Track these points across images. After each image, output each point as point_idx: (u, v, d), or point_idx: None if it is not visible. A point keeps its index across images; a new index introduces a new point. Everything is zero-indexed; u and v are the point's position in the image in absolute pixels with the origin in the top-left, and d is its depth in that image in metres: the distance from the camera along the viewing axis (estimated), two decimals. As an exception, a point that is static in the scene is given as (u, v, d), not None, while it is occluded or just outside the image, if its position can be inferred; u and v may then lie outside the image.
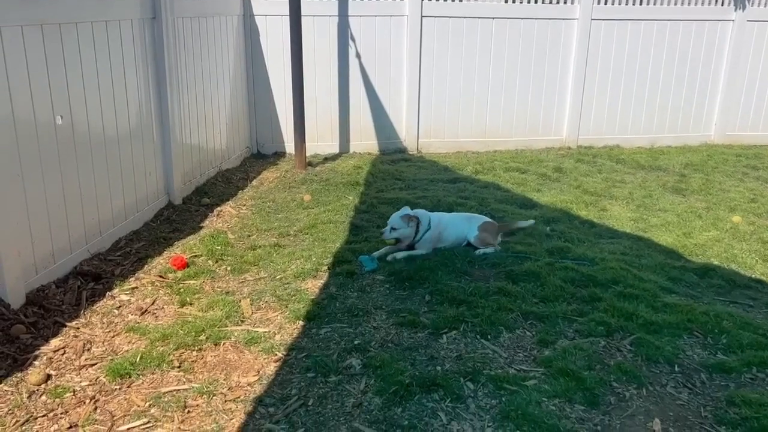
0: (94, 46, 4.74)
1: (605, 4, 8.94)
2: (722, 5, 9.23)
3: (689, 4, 9.18)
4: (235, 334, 3.80)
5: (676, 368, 3.48)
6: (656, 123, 9.57)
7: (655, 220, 6.14)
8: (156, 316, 4.07)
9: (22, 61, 3.96)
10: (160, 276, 4.61)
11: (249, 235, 5.56)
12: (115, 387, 3.29)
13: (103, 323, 3.95)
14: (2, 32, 3.76)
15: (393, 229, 4.90)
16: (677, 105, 9.54)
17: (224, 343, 3.70)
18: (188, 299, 4.27)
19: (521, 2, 8.81)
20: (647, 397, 3.23)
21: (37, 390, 3.24)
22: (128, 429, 2.98)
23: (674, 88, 9.43)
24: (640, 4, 9.07)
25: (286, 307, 4.14)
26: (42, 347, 3.62)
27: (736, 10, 9.23)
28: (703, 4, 9.22)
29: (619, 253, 5.13)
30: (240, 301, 4.24)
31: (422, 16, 8.51)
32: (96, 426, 2.99)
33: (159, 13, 5.71)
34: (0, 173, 3.75)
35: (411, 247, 5.01)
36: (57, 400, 3.17)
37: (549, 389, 3.23)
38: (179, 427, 2.98)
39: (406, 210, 5.00)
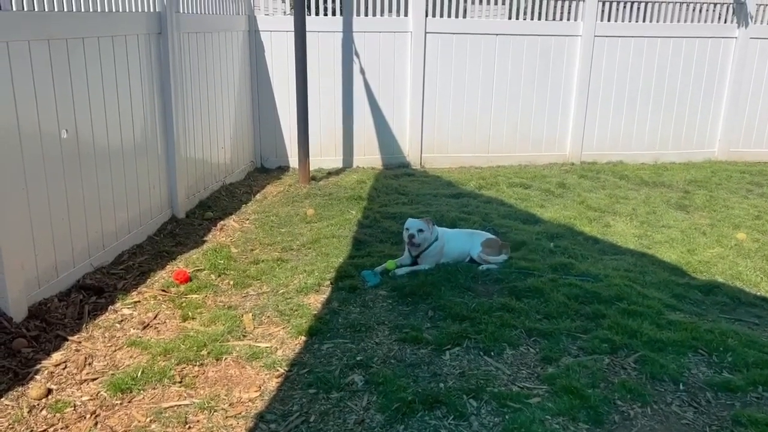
0: (100, 61, 4.77)
1: (608, 21, 8.99)
2: (725, 23, 9.28)
3: (692, 21, 9.23)
4: (237, 349, 3.79)
5: (681, 387, 3.44)
6: (660, 139, 9.58)
7: (659, 236, 6.12)
8: (158, 331, 4.06)
9: (29, 75, 3.99)
10: (163, 290, 4.60)
11: (252, 250, 5.56)
12: (116, 402, 3.27)
13: (105, 337, 3.94)
14: (9, 47, 3.79)
15: (420, 230, 4.88)
16: (681, 121, 9.55)
17: (226, 358, 3.68)
18: (190, 313, 4.26)
19: (524, 19, 8.87)
20: (652, 415, 3.20)
21: (38, 404, 3.23)
22: (128, 445, 2.96)
23: (678, 104, 9.45)
24: (644, 21, 9.12)
25: (289, 322, 4.13)
26: (43, 361, 3.61)
27: (738, 27, 9.27)
28: (706, 21, 9.26)
29: (623, 270, 5.11)
30: (242, 315, 4.23)
31: (426, 33, 8.56)
32: (96, 441, 2.98)
33: (165, 29, 5.75)
34: (5, 186, 3.76)
35: (414, 262, 5.00)
36: (58, 414, 3.15)
37: (553, 407, 3.20)
38: (180, 443, 2.96)
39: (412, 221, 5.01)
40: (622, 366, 3.62)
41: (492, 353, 3.74)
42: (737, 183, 8.37)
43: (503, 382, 3.46)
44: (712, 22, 9.28)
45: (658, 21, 9.15)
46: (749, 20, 9.21)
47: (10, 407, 3.19)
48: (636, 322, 4.08)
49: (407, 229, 4.92)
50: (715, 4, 9.24)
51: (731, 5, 9.23)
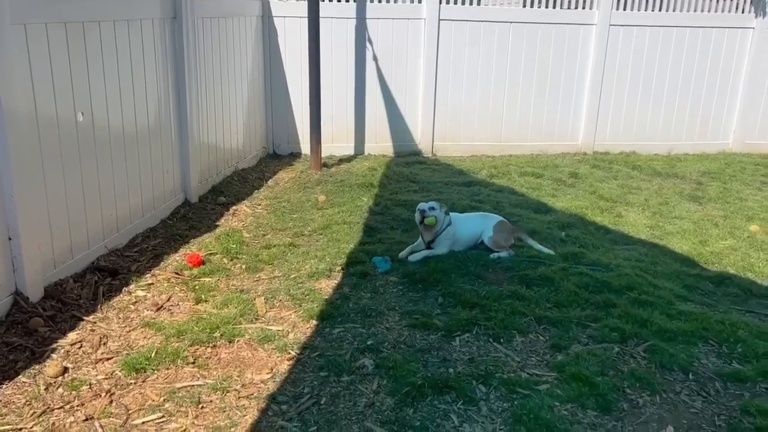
0: (115, 45, 4.80)
1: (624, 9, 8.90)
2: (742, 13, 9.16)
3: (709, 11, 9.12)
4: (249, 331, 3.83)
5: (691, 376, 3.45)
6: (673, 130, 9.50)
7: (671, 227, 6.10)
8: (171, 313, 4.11)
9: (46, 58, 4.02)
10: (176, 273, 4.65)
11: (264, 235, 5.60)
12: (131, 381, 3.33)
13: (120, 318, 4.00)
14: (27, 30, 3.82)
15: (432, 208, 4.92)
16: (695, 112, 9.47)
17: (238, 341, 3.73)
18: (203, 296, 4.31)
19: (539, 7, 8.80)
20: (660, 404, 3.21)
21: (54, 382, 3.29)
22: (143, 423, 3.01)
23: (692, 95, 9.37)
24: (660, 10, 9.03)
25: (300, 306, 4.17)
26: (59, 340, 3.67)
27: (756, 17, 9.15)
28: (723, 11, 9.15)
29: (634, 260, 5.10)
30: (254, 299, 4.27)
31: (440, 20, 8.52)
32: (111, 419, 3.03)
33: (179, 13, 5.77)
34: (22, 168, 3.80)
35: (428, 246, 5.02)
36: (73, 392, 3.21)
37: (561, 394, 3.22)
38: (193, 422, 3.01)
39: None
40: (632, 355, 3.63)
41: (501, 340, 3.76)
42: (751, 175, 8.30)
43: (512, 368, 3.48)
44: (730, 12, 9.16)
45: (674, 10, 9.05)
46: (767, 10, 9.09)
47: (27, 384, 3.26)
48: (646, 311, 4.08)
49: (419, 210, 4.93)
50: (733, -6, 9.14)
51: (749, -5, 9.12)
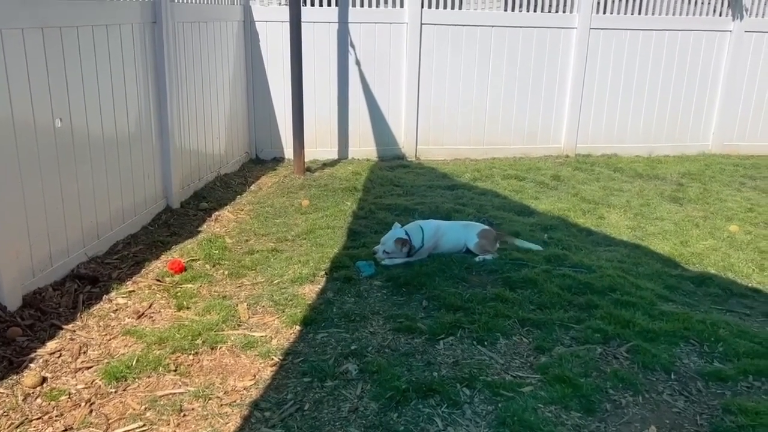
0: (94, 50, 4.75)
1: (604, 13, 9.00)
2: (720, 16, 9.29)
3: (687, 14, 9.24)
4: (232, 338, 3.80)
5: (673, 376, 3.48)
6: (654, 132, 9.60)
7: (653, 228, 6.15)
8: (153, 320, 4.07)
9: (23, 63, 3.96)
10: (158, 280, 4.60)
11: (247, 240, 5.56)
12: (111, 390, 3.28)
13: (100, 326, 3.95)
14: (3, 35, 3.77)
15: (386, 252, 4.91)
16: (675, 114, 9.58)
17: (221, 347, 3.69)
18: (185, 303, 4.26)
19: (520, 11, 8.86)
20: (643, 404, 3.23)
21: (33, 392, 3.23)
22: (123, 432, 2.97)
23: (672, 97, 9.48)
24: (639, 14, 9.13)
25: (283, 311, 4.14)
26: (38, 350, 3.61)
27: (734, 20, 9.29)
28: (701, 14, 9.28)
29: (617, 261, 5.14)
30: (237, 305, 4.24)
31: (422, 24, 8.55)
32: (91, 429, 2.98)
33: (160, 18, 5.73)
34: (-1, 175, 3.75)
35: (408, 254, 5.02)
36: (52, 402, 3.16)
37: (545, 396, 3.23)
38: (175, 431, 2.97)
39: (398, 230, 4.97)
40: (615, 356, 3.65)
41: (485, 343, 3.77)
42: (730, 176, 8.41)
43: (496, 371, 3.48)
44: (708, 15, 9.29)
45: (653, 14, 9.16)
46: (744, 13, 9.23)
47: (4, 395, 3.20)
48: (629, 312, 4.10)
49: (375, 251, 4.97)
50: (711, -3, 9.27)
51: (726, -2, 9.26)
